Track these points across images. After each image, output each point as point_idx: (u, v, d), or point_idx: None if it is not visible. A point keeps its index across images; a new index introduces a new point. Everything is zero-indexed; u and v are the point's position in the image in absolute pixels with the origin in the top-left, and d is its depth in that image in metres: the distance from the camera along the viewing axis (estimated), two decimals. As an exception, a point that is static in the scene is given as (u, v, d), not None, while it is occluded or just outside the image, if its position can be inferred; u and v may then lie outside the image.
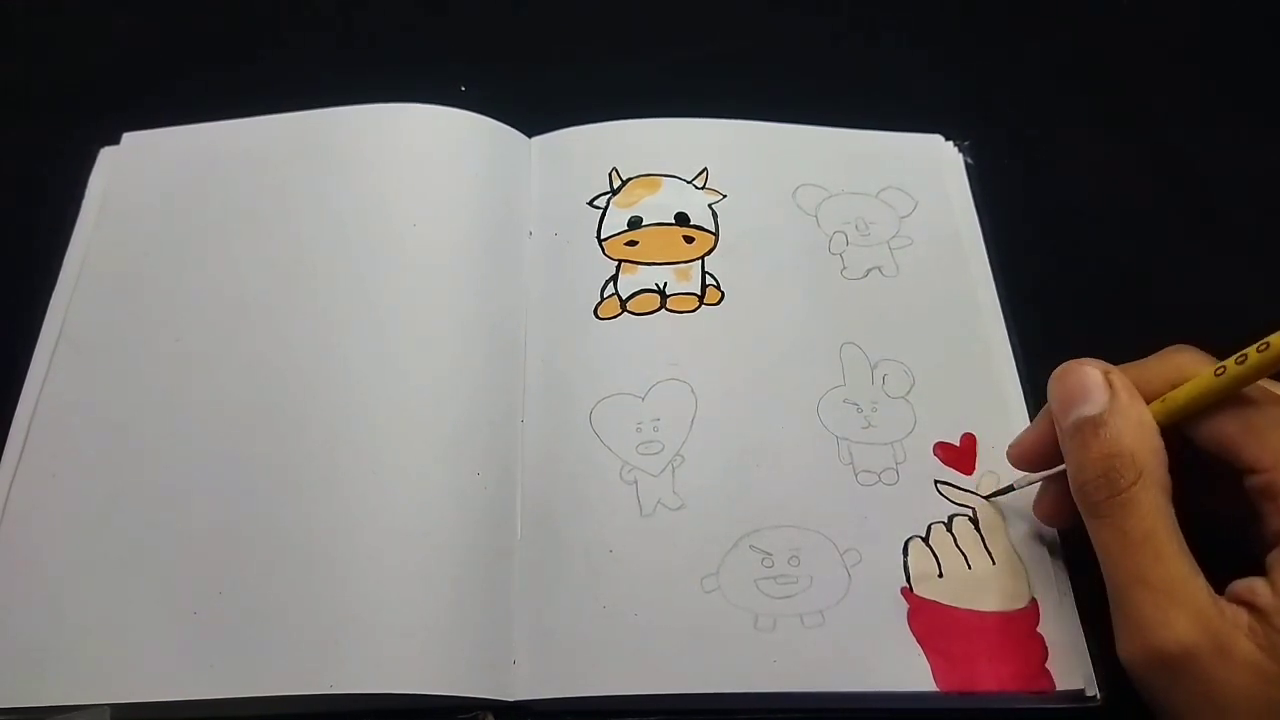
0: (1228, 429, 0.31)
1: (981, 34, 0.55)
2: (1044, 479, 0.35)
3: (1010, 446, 0.36)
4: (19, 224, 0.45)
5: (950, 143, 0.47)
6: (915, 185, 0.46)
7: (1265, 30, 0.55)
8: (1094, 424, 0.31)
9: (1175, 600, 0.28)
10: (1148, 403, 0.31)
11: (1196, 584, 0.29)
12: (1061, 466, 0.33)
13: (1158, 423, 0.31)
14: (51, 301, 0.41)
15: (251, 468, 0.37)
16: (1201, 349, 0.33)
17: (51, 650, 0.34)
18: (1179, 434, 0.31)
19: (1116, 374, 0.32)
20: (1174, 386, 0.32)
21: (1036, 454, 0.35)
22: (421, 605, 0.34)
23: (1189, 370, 0.32)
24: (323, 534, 0.35)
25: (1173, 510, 0.30)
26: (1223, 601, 0.29)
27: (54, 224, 0.44)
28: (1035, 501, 0.36)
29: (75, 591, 0.35)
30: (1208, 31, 0.55)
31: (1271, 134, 0.50)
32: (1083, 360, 0.33)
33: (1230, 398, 0.30)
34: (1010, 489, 0.37)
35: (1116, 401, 0.31)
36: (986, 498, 0.37)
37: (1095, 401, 0.31)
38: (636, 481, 0.37)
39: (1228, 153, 0.49)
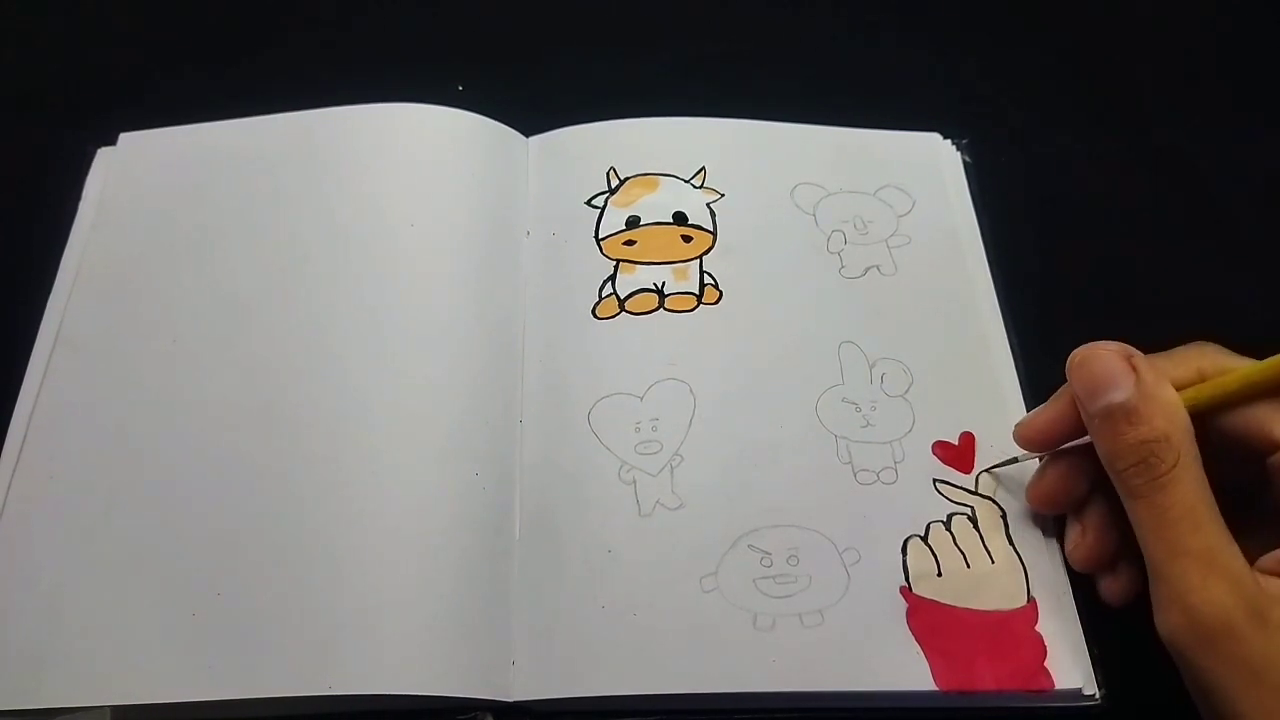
0: (1259, 411, 0.31)
1: (981, 33, 0.55)
2: (1050, 455, 0.36)
3: (1018, 426, 0.36)
4: (16, 225, 0.45)
5: (948, 141, 0.47)
6: (913, 184, 0.46)
7: (1266, 30, 0.55)
8: (1124, 410, 0.31)
9: (1215, 569, 0.29)
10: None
11: (1234, 554, 0.29)
12: (1073, 443, 0.33)
13: (1192, 412, 0.31)
14: (49, 302, 0.41)
15: (249, 469, 0.37)
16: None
17: (51, 651, 0.34)
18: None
19: (1139, 356, 0.32)
20: (1199, 381, 0.32)
21: (1047, 436, 0.35)
22: (420, 606, 0.34)
23: (1215, 365, 0.32)
24: (321, 535, 0.35)
25: (1208, 484, 0.30)
26: (1257, 573, 0.29)
27: (51, 225, 0.43)
28: (1031, 485, 0.36)
29: (74, 593, 0.35)
30: (1207, 31, 0.55)
31: (1271, 134, 0.50)
32: (1103, 344, 0.33)
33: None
34: (1014, 460, 0.37)
35: (1143, 385, 0.31)
36: (988, 470, 0.38)
37: (1123, 387, 0.31)
38: (635, 481, 0.37)
39: (1228, 153, 0.49)
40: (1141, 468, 0.30)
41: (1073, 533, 0.35)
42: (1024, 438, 0.36)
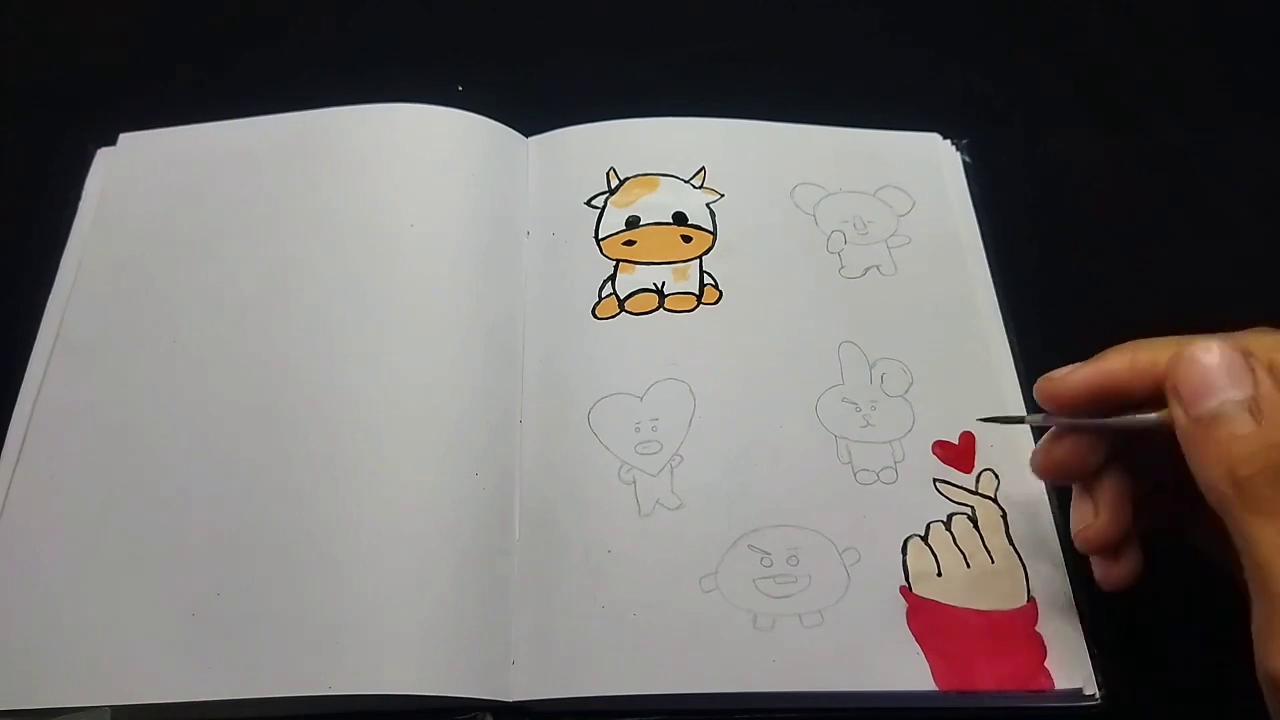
0: None
1: (981, 33, 0.55)
2: (1074, 425, 0.32)
3: (1045, 379, 0.32)
4: (16, 225, 0.45)
5: (948, 141, 0.47)
6: (913, 184, 0.46)
7: (1266, 30, 0.55)
8: (1249, 409, 0.27)
9: None
10: None
11: None
12: (1113, 420, 0.30)
13: None
14: (49, 303, 0.41)
15: (249, 469, 0.37)
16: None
17: (51, 651, 0.34)
18: None
19: (1253, 355, 0.28)
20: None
21: (1077, 398, 0.31)
22: (420, 606, 0.34)
23: None
24: (321, 535, 0.35)
25: None
26: None
27: (51, 225, 0.43)
28: (1043, 451, 0.33)
29: (74, 593, 0.35)
30: (1207, 31, 0.55)
31: (1271, 134, 0.50)
32: (1208, 337, 0.29)
33: None
34: (1021, 420, 0.36)
35: (1263, 384, 0.28)
36: (987, 419, 0.36)
37: (1244, 384, 0.28)
38: (635, 481, 0.37)
39: (1228, 153, 0.49)
40: (1270, 475, 0.26)
41: (1082, 510, 0.32)
42: (1049, 394, 0.31)
